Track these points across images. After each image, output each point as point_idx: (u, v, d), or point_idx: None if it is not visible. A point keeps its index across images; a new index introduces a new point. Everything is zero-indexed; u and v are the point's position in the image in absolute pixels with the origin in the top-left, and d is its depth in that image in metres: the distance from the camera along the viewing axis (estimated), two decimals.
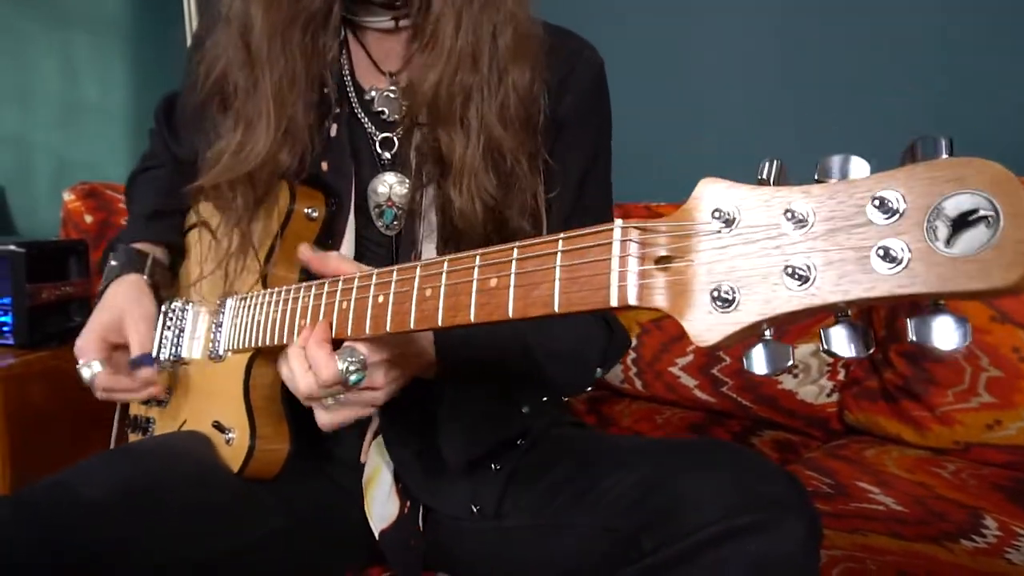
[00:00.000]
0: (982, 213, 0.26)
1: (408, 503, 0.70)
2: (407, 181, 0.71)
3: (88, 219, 1.64)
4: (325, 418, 0.59)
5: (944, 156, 0.28)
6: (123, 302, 0.78)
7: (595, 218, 0.70)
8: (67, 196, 1.66)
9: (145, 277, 0.81)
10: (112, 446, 0.92)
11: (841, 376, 1.20)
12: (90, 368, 0.75)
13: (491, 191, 0.65)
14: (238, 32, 0.68)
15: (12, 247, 1.23)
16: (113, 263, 0.81)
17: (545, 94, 0.70)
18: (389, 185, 0.72)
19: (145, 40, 2.02)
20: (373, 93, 0.73)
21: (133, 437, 0.90)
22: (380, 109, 0.73)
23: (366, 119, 0.73)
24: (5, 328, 1.25)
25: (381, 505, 0.70)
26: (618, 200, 0.82)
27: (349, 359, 0.54)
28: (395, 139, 0.72)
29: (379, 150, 0.73)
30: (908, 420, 1.12)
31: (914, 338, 0.28)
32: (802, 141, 1.40)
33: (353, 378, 0.54)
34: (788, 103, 1.45)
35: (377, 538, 0.69)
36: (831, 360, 1.14)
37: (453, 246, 0.67)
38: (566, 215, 0.71)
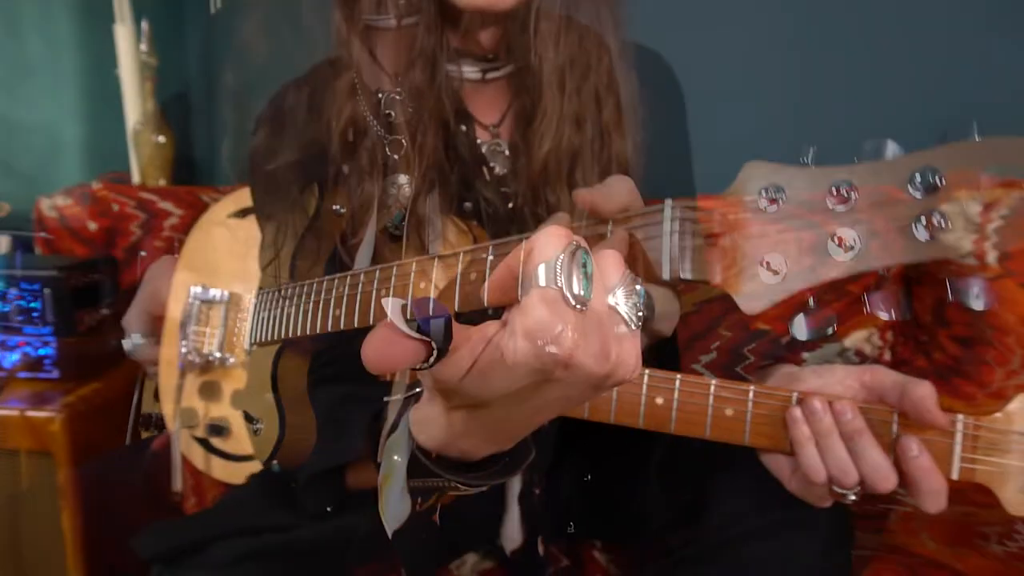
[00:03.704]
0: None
1: (419, 500, 0.64)
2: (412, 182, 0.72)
3: (92, 226, 1.31)
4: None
5: (976, 139, 0.31)
6: (157, 275, 0.83)
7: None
8: (61, 201, 1.33)
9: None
10: (128, 442, 0.95)
11: (888, 358, 1.13)
12: (131, 341, 0.79)
13: None
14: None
15: (53, 272, 1.06)
16: None
17: None
18: (399, 187, 0.73)
19: None
20: (380, 95, 0.74)
21: (146, 435, 0.92)
22: (387, 111, 0.74)
23: (374, 122, 0.74)
24: (47, 361, 1.09)
25: (394, 504, 0.68)
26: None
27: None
28: (403, 141, 0.73)
29: (388, 151, 0.73)
30: (959, 396, 1.09)
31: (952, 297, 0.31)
32: (816, 133, 1.35)
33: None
34: (802, 96, 1.37)
35: (390, 537, 0.68)
36: (880, 346, 1.14)
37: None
38: None
